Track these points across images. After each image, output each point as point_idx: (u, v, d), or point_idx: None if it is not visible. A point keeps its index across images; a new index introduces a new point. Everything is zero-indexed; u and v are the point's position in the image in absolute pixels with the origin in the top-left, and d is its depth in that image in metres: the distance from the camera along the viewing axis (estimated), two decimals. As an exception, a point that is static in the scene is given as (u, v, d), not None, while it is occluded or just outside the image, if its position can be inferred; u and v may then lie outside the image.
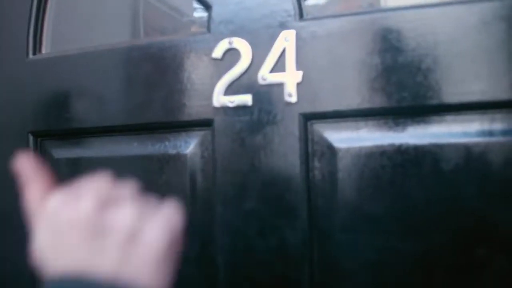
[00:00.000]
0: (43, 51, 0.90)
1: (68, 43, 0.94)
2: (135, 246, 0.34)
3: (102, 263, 0.34)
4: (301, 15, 0.69)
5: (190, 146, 0.76)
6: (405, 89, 0.64)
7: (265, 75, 0.69)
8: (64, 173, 0.86)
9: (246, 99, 0.70)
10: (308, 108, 0.68)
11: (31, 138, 0.88)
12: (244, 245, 0.71)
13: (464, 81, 0.62)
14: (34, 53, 0.89)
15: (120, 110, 0.80)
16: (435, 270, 0.65)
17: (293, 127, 0.68)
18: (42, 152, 0.88)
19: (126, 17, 1.05)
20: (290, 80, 0.68)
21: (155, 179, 0.78)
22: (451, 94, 0.63)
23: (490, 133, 0.62)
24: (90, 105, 0.83)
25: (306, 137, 0.69)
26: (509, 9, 0.61)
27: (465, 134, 0.63)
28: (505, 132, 0.62)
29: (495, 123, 0.62)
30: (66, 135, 0.87)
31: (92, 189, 0.37)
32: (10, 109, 0.89)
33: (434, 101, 0.63)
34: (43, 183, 0.39)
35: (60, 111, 0.85)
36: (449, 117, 0.64)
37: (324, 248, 0.69)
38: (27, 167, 0.39)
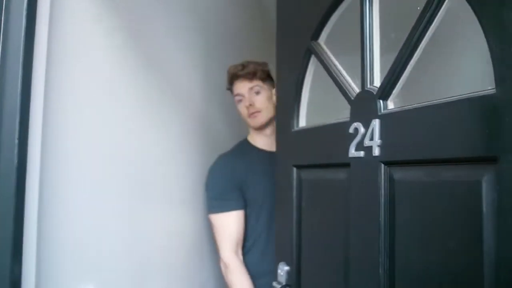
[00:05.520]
0: (301, 125, 1.76)
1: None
2: None
3: None
4: (382, 109, 1.28)
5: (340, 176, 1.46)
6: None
7: (366, 142, 1.32)
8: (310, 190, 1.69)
9: (362, 153, 1.34)
10: (386, 158, 1.26)
11: (294, 169, 1.76)
12: None
13: None
14: (297, 126, 1.77)
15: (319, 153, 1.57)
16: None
17: (379, 168, 1.28)
18: (298, 177, 1.74)
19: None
20: (376, 144, 1.28)
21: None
22: None
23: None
24: (318, 152, 1.63)
25: (385, 175, 1.27)
26: None
27: None
28: None
29: None
30: (310, 167, 1.70)
31: None
32: (282, 156, 1.81)
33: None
34: None
35: (307, 154, 1.70)
36: None
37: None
38: None
